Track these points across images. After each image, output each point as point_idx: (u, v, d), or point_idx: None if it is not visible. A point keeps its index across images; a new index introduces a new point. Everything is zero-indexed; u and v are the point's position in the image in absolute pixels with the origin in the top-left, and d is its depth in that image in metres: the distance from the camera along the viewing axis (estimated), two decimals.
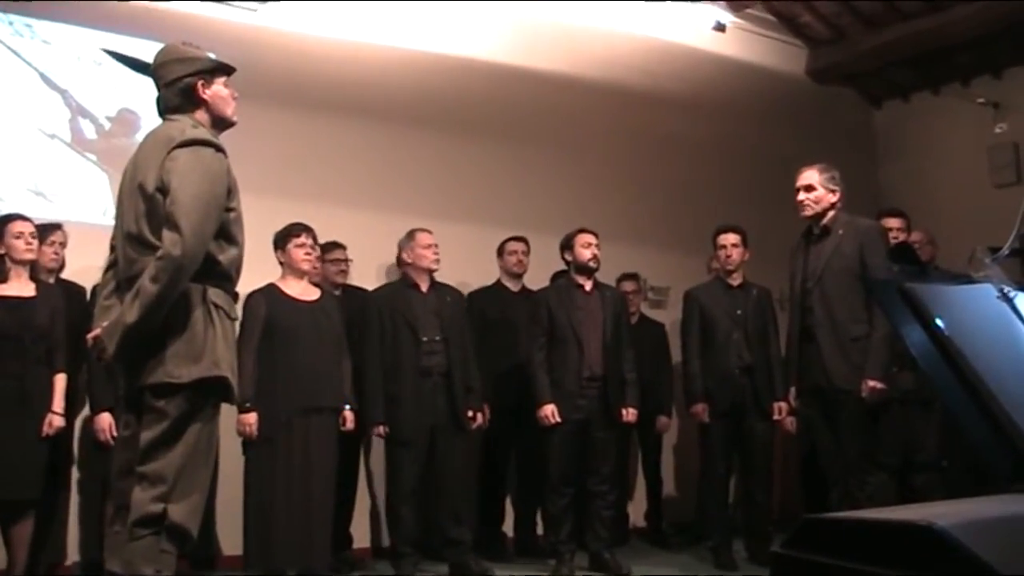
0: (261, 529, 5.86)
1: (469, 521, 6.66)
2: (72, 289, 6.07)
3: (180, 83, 3.94)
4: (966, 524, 2.21)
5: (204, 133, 3.83)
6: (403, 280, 6.73)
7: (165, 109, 3.98)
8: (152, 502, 3.63)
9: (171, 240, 3.58)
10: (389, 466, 6.65)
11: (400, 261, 7.01)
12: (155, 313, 3.57)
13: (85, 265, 6.10)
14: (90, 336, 3.85)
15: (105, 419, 5.84)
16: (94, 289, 5.54)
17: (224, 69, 4.03)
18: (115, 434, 5.43)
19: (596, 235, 6.81)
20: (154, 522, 3.62)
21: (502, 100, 8.25)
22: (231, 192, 3.82)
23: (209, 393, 3.74)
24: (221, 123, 3.98)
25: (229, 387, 3.79)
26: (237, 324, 3.99)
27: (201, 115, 3.94)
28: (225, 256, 3.83)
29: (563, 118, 8.50)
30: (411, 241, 6.63)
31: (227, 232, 3.82)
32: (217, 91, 3.99)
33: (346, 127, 7.59)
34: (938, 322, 2.70)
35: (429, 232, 6.65)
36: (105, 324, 3.75)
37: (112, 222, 4.06)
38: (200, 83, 3.95)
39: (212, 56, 4.09)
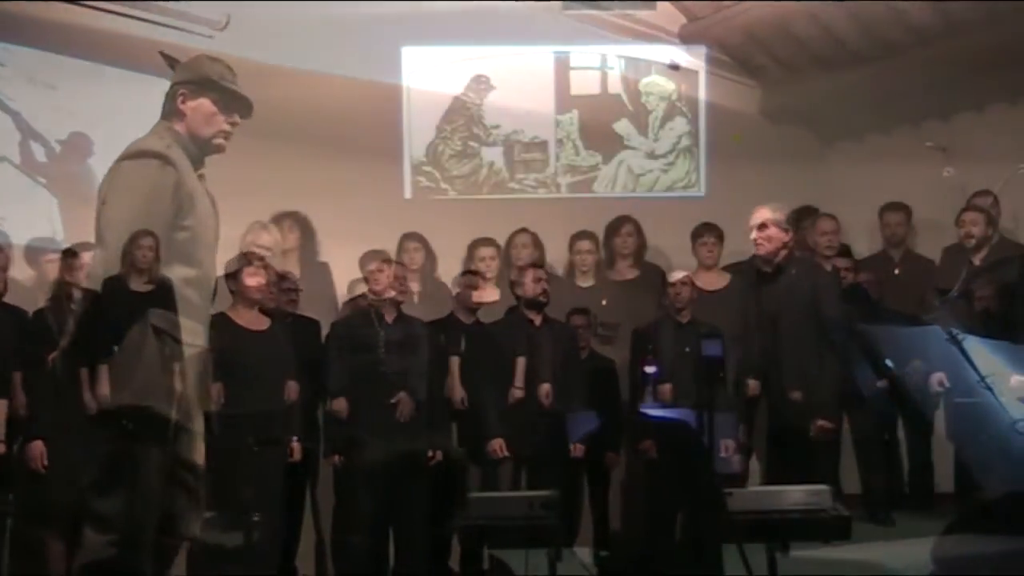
0: (205, 561, 5.77)
1: (419, 557, 6.58)
2: (17, 314, 5.92)
3: (170, 89, 3.82)
4: None
5: (154, 143, 3.61)
6: (369, 310, 6.66)
7: (160, 114, 3.86)
8: (104, 547, 3.51)
9: (94, 258, 3.42)
10: (340, 497, 6.56)
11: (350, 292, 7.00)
12: (84, 332, 3.42)
13: (31, 290, 5.99)
14: (50, 358, 3.74)
15: (37, 447, 5.55)
16: (38, 312, 5.35)
17: (205, 85, 3.83)
18: (46, 463, 5.27)
19: (545, 270, 6.82)
20: (104, 568, 3.50)
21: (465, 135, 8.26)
22: (183, 209, 3.62)
23: (140, 423, 3.56)
24: (200, 141, 3.75)
25: (159, 417, 3.62)
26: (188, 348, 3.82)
27: (180, 127, 3.76)
28: (178, 276, 3.64)
29: None
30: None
31: (181, 251, 3.63)
32: (199, 105, 3.79)
33: (303, 155, 7.54)
34: (888, 362, 2.74)
35: (399, 263, 6.62)
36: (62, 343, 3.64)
37: (61, 246, 3.96)
38: (182, 93, 3.79)
39: (227, 82, 3.90)
